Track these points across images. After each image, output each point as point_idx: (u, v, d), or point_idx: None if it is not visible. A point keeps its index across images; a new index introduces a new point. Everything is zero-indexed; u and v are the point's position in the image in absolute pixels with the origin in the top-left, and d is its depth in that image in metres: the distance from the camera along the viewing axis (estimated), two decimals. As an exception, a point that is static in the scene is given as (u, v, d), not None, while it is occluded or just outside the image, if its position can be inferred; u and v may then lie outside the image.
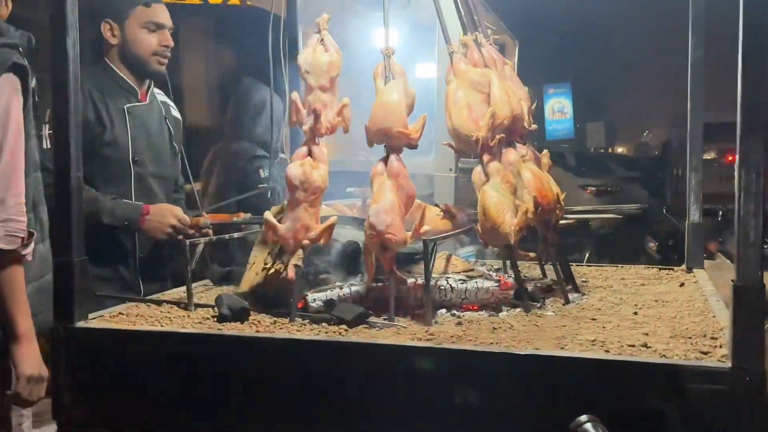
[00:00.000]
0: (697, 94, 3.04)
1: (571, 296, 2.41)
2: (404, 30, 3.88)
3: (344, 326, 2.03)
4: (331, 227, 2.18)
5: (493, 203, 2.21)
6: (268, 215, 2.17)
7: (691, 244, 3.05)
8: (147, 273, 3.04)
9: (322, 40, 2.26)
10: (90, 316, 2.10)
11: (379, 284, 2.21)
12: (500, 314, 2.19)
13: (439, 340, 1.90)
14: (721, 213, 8.00)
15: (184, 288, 2.60)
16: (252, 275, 2.32)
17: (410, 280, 2.21)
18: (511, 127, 2.37)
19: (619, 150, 18.19)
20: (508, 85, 2.41)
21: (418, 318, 2.14)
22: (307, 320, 2.10)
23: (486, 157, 2.27)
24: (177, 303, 2.31)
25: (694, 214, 3.04)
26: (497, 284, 2.26)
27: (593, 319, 2.15)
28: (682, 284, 2.71)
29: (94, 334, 2.02)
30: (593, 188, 11.14)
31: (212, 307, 2.24)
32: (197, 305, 2.28)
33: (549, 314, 2.21)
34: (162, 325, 2.08)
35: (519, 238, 2.24)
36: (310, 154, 2.21)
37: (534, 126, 2.49)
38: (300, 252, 2.16)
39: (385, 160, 2.19)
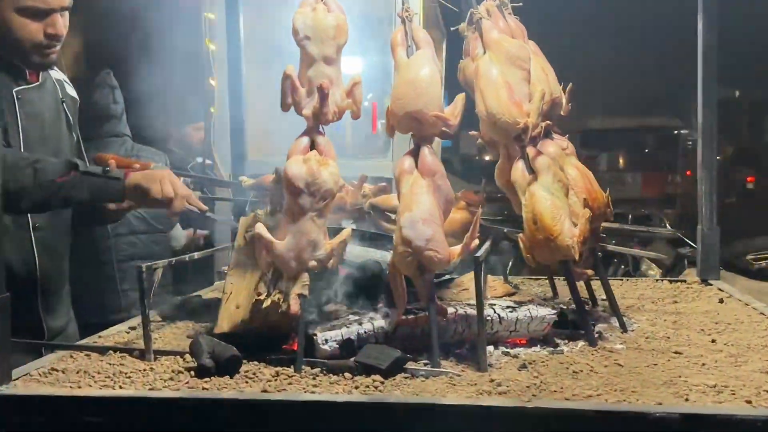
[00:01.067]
0: (710, 87, 2.67)
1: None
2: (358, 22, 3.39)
3: (377, 376, 1.50)
4: (344, 243, 1.65)
5: (548, 208, 1.73)
6: (262, 229, 1.61)
7: (704, 254, 2.68)
8: (51, 307, 2.33)
9: (322, -3, 1.73)
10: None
11: (410, 317, 1.69)
12: (562, 349, 1.72)
13: (517, 393, 1.41)
14: (630, 218, 7.86)
15: (125, 327, 2.01)
16: (231, 309, 1.74)
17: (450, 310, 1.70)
18: (549, 112, 1.91)
19: (487, 158, 18.34)
20: (543, 62, 1.95)
21: (463, 360, 1.64)
22: (321, 369, 1.55)
23: (532, 150, 1.80)
24: (129, 350, 1.71)
25: (708, 221, 2.67)
26: (554, 312, 1.78)
27: (677, 353, 1.71)
28: (721, 300, 2.32)
29: (28, 405, 1.40)
30: (483, 193, 11.01)
31: (181, 354, 1.66)
32: (158, 352, 1.69)
33: (619, 347, 1.75)
34: (120, 386, 1.48)
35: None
36: (312, 146, 1.67)
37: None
38: (304, 277, 1.62)
39: (414, 153, 1.68)
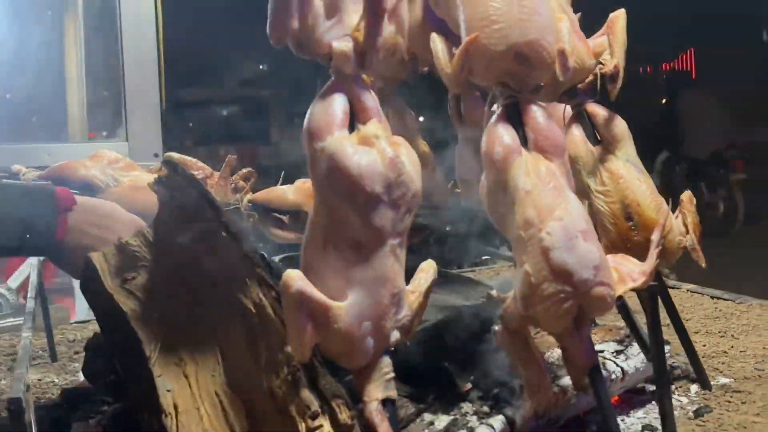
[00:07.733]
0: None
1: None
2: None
3: None
4: (431, 288, 0.89)
5: (646, 194, 1.15)
6: (301, 281, 0.78)
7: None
8: None
9: None
10: None
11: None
12: (710, 408, 1.16)
13: None
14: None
15: None
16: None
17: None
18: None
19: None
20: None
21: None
22: None
23: (601, 111, 1.19)
24: None
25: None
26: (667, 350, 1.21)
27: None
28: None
29: None
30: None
31: None
32: None
33: (730, 382, 1.25)
34: None
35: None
36: (353, 113, 0.87)
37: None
38: (385, 365, 0.84)
39: (510, 117, 0.96)
